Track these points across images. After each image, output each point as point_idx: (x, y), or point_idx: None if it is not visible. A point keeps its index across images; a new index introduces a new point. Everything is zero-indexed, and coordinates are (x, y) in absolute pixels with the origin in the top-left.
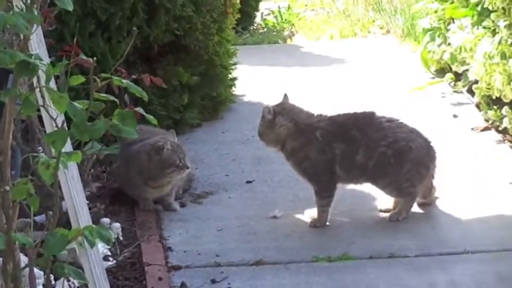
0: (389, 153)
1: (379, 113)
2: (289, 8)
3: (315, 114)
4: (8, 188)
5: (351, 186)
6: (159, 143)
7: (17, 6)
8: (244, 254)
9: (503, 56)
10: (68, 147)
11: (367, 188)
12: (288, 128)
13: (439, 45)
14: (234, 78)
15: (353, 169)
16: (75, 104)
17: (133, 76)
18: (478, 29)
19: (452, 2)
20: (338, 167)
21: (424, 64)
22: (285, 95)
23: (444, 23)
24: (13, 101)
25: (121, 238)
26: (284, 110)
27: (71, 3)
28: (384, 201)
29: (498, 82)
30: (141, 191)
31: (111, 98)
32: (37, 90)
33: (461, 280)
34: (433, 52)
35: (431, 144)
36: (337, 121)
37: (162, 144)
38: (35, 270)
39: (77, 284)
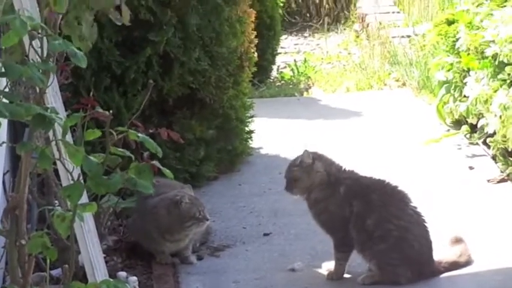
0: (394, 234)
1: (411, 196)
2: (305, 61)
3: (346, 170)
4: (24, 242)
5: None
6: (177, 197)
7: (33, 60)
8: None
9: None
10: (84, 200)
11: None
12: (321, 176)
13: (454, 100)
14: (251, 131)
15: (362, 232)
16: (91, 157)
17: (150, 131)
18: (494, 81)
19: (469, 54)
20: (351, 226)
21: (439, 116)
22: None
23: (460, 75)
24: (29, 155)
25: None
26: (321, 157)
27: (85, 59)
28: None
29: None
30: (158, 244)
31: (128, 153)
32: (53, 143)
33: None
34: (450, 107)
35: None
36: (362, 182)
37: (180, 198)
38: None
39: None
